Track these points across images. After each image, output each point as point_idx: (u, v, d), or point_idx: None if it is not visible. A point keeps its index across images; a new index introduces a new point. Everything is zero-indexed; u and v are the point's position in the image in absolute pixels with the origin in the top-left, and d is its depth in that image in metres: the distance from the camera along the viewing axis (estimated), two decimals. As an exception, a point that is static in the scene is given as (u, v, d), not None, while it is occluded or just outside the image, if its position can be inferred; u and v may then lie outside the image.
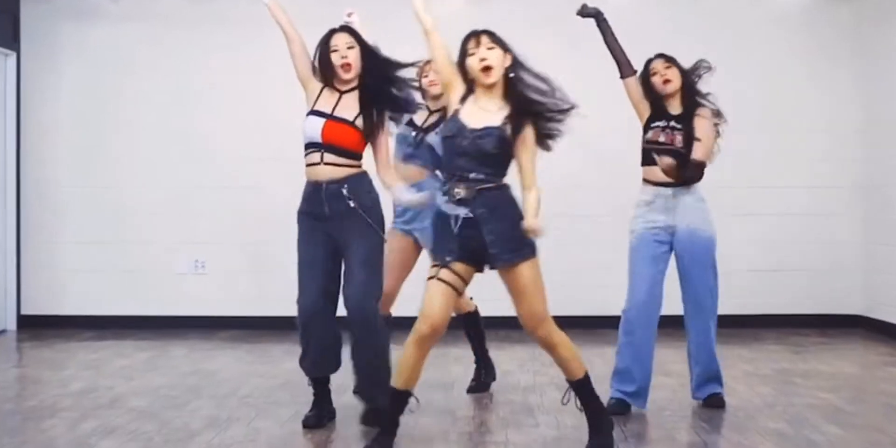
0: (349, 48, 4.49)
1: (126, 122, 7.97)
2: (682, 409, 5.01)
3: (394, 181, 4.52)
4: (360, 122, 4.47)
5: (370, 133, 4.51)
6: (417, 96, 4.89)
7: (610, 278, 7.77)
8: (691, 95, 4.90)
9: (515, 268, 4.01)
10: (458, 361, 6.15)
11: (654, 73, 4.88)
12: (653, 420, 4.79)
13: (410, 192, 4.48)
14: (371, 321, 4.43)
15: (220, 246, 7.89)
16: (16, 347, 7.25)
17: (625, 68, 4.97)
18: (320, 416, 4.64)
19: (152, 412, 4.99)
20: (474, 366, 5.54)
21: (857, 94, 7.93)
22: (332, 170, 4.44)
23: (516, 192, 4.09)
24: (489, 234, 3.96)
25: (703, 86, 4.99)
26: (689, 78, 4.91)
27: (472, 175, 3.97)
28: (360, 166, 4.53)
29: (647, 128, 4.92)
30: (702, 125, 4.83)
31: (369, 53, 4.56)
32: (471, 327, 5.46)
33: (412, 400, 4.15)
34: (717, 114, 4.92)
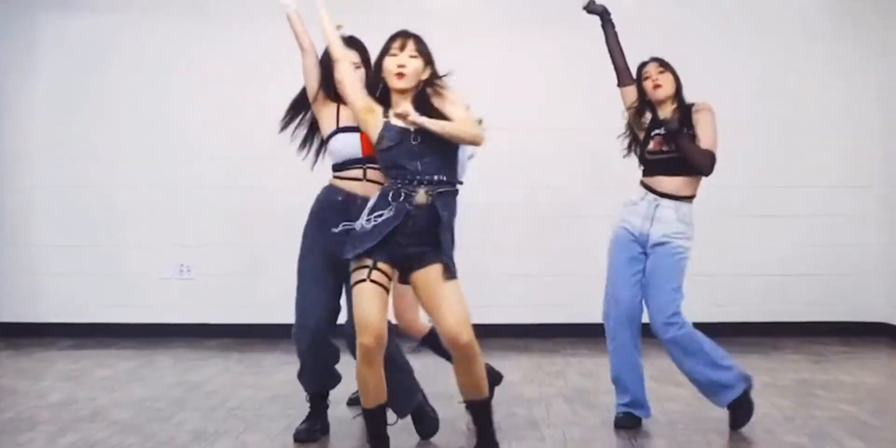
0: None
1: (108, 119, 7.97)
2: (696, 421, 4.99)
3: None
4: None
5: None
6: None
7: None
8: (681, 101, 4.90)
9: (437, 268, 3.99)
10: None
11: (647, 77, 4.90)
12: (664, 433, 4.78)
13: None
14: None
15: (207, 249, 7.88)
16: (-9, 357, 7.25)
17: (623, 76, 4.99)
18: (312, 429, 4.64)
19: (136, 425, 4.97)
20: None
21: (879, 90, 7.94)
22: (375, 188, 4.26)
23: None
24: (428, 244, 3.99)
25: (717, 81, 4.97)
26: (680, 85, 4.90)
27: (436, 177, 4.01)
28: None
29: (646, 138, 4.90)
30: (704, 118, 4.81)
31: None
32: (438, 347, 5.22)
33: (391, 413, 4.20)
34: (709, 110, 4.90)
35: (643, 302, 4.88)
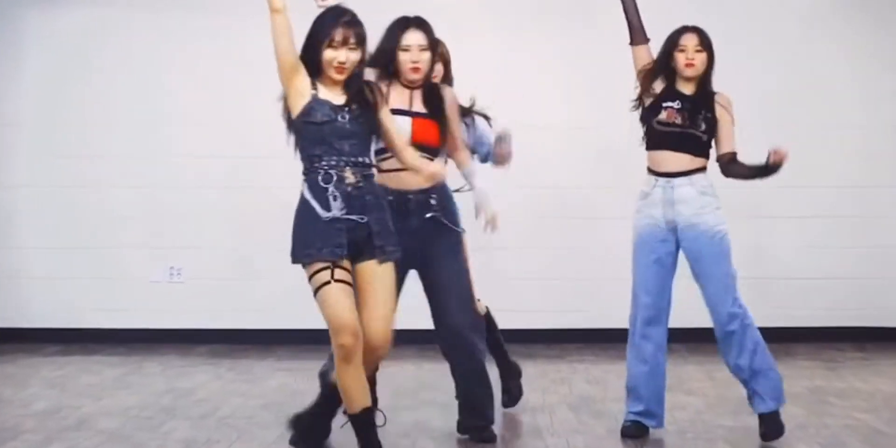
0: (422, 50, 4.51)
1: (95, 116, 7.96)
2: (707, 431, 4.99)
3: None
4: (439, 116, 4.56)
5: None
6: None
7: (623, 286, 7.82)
8: (706, 82, 4.82)
9: (390, 265, 4.07)
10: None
11: (682, 50, 4.76)
12: (673, 443, 4.78)
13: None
14: (474, 344, 4.53)
15: (198, 251, 7.88)
16: (-27, 363, 7.25)
17: (637, 34, 4.86)
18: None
19: (123, 435, 4.97)
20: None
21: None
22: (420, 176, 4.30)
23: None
24: (376, 224, 4.04)
25: (730, 78, 4.94)
26: (712, 67, 4.82)
27: (361, 159, 4.05)
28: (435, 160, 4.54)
29: (656, 106, 4.78)
30: (724, 117, 4.80)
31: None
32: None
33: (380, 414, 4.26)
34: (728, 103, 4.88)
35: (669, 300, 4.83)
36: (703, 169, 4.78)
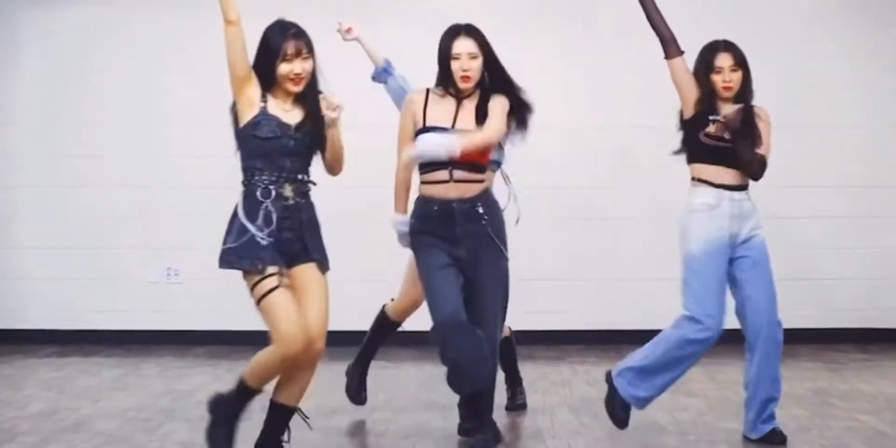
0: (472, 58, 4.45)
1: (94, 116, 7.96)
2: (708, 432, 4.99)
3: None
4: None
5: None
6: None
7: (623, 288, 7.81)
8: (747, 95, 4.79)
9: (322, 270, 4.21)
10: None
11: (719, 72, 4.73)
12: (675, 444, 4.78)
13: None
14: (494, 354, 4.46)
15: (195, 252, 7.83)
16: (-31, 365, 7.23)
17: (671, 47, 4.77)
18: (487, 438, 4.57)
19: (122, 436, 4.97)
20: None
21: (896, 85, 7.97)
22: (464, 187, 4.40)
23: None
24: (311, 241, 4.17)
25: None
26: (750, 83, 4.78)
27: (301, 176, 4.16)
28: (485, 181, 4.55)
29: (700, 119, 4.74)
30: (763, 129, 4.78)
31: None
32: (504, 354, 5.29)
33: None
34: (767, 116, 4.86)
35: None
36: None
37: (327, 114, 4.14)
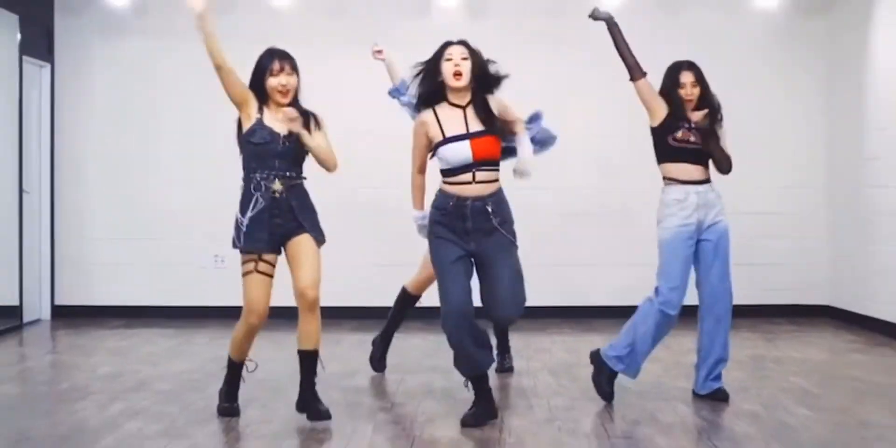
0: (463, 59, 4.27)
1: (151, 128, 7.94)
2: (664, 392, 4.99)
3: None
4: (494, 129, 4.30)
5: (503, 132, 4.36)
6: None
7: (592, 271, 7.80)
8: (709, 104, 4.76)
9: (316, 243, 4.36)
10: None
11: (682, 87, 4.72)
12: (636, 402, 4.77)
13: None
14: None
15: (238, 242, 7.84)
16: (50, 335, 7.22)
17: (635, 72, 4.76)
18: (478, 414, 4.33)
19: (175, 395, 4.97)
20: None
21: (824, 103, 7.92)
22: (482, 187, 4.24)
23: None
24: (304, 219, 4.32)
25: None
26: (709, 93, 4.77)
27: (288, 173, 4.31)
28: (498, 179, 4.34)
29: (671, 126, 4.72)
30: (721, 133, 4.79)
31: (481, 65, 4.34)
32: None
33: (249, 363, 4.54)
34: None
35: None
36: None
37: (286, 124, 4.27)
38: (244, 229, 4.31)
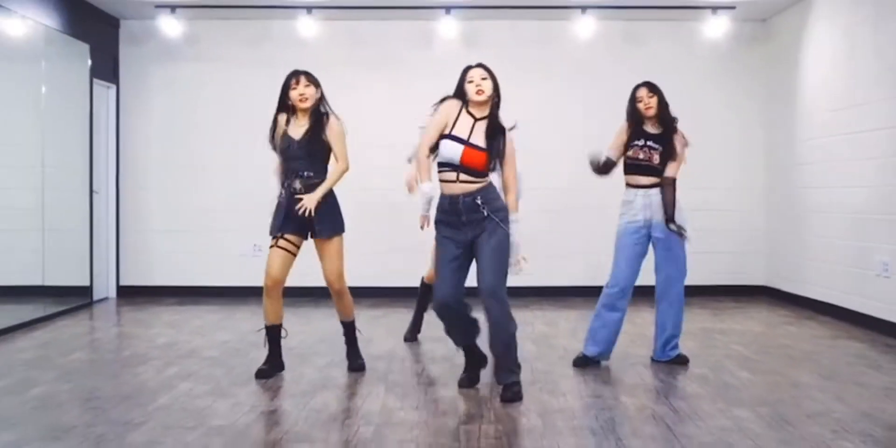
0: (483, 79, 4.13)
1: (201, 140, 7.92)
2: (627, 358, 4.98)
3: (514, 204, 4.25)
4: (490, 149, 4.10)
5: (498, 157, 4.16)
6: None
7: (567, 257, 7.79)
8: (666, 119, 4.74)
9: (331, 239, 4.45)
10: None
11: (640, 100, 4.70)
12: (602, 368, 4.76)
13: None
14: (502, 301, 4.08)
15: (273, 233, 7.82)
16: (115, 311, 7.21)
17: (608, 168, 4.81)
18: (472, 377, 4.35)
19: (221, 360, 4.96)
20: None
21: (762, 119, 7.89)
22: (466, 186, 4.09)
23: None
24: (318, 222, 4.40)
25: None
26: (665, 105, 4.73)
27: (306, 173, 4.40)
28: (487, 180, 4.16)
29: (627, 146, 4.73)
30: (679, 150, 4.73)
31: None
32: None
33: (283, 331, 4.56)
34: (684, 138, 4.80)
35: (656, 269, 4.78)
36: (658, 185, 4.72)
37: (302, 208, 4.38)
38: (273, 220, 4.46)
